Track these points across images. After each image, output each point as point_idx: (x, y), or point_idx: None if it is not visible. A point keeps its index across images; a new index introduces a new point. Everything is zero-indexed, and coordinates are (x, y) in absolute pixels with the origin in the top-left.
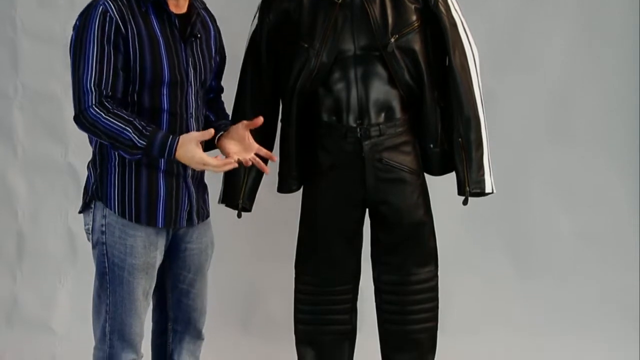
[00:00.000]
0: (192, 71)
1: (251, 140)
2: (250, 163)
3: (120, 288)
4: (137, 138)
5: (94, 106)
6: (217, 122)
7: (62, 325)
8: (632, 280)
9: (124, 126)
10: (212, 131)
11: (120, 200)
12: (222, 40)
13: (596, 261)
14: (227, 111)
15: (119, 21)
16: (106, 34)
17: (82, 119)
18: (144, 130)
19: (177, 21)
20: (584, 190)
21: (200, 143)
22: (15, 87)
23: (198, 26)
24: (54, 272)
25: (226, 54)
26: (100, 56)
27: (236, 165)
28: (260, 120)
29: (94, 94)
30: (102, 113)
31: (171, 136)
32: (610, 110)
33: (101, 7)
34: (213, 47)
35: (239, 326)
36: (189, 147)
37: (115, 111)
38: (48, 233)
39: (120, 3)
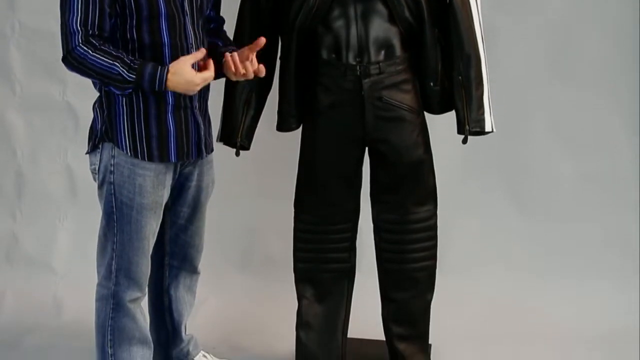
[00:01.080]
0: (187, 2)
1: (255, 61)
2: (242, 71)
3: (129, 227)
4: (126, 72)
5: (80, 45)
6: (224, 47)
7: (62, 263)
8: (633, 222)
9: (111, 61)
10: (203, 50)
11: (132, 140)
12: None
13: (597, 202)
14: None
15: None
16: None
17: (70, 59)
18: (132, 64)
19: None
20: (585, 131)
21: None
22: (12, 25)
23: None
24: (53, 211)
25: None
26: None
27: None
28: (262, 40)
29: (80, 33)
30: (89, 51)
31: (160, 67)
32: (612, 51)
33: None
34: None
35: (238, 265)
36: (183, 70)
37: (103, 48)
38: (47, 172)
39: None
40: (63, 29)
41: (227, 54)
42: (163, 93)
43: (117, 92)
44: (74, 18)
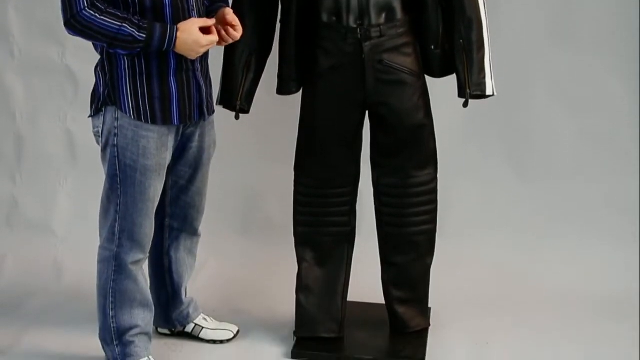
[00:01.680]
0: None
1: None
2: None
3: (132, 189)
4: (136, 32)
5: (86, 9)
6: (211, 6)
7: (62, 226)
8: (633, 183)
9: (120, 23)
10: (213, 20)
11: (135, 103)
12: None
13: (597, 164)
14: None
15: None
16: None
17: (74, 23)
18: (140, 24)
19: None
20: (585, 93)
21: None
22: None
23: None
24: (53, 174)
25: None
26: None
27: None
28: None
29: None
30: (96, 14)
31: (169, 26)
32: (612, 12)
33: None
34: None
35: (238, 228)
36: (192, 30)
37: (109, 10)
38: (47, 135)
39: None
40: None
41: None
42: (165, 55)
43: (124, 53)
44: None
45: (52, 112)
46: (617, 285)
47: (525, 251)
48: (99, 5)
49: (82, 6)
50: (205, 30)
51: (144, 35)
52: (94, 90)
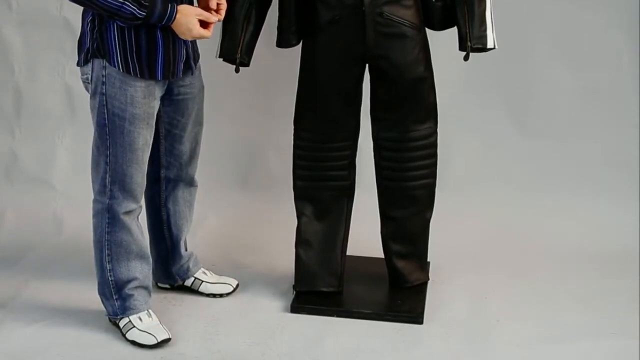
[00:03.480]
0: None
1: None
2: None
3: (121, 138)
4: (137, 10)
5: None
6: None
7: (61, 180)
8: (633, 137)
9: (123, 1)
10: (216, 19)
11: (123, 56)
12: None
13: (597, 120)
14: None
15: None
16: None
17: None
18: (142, 1)
19: None
20: (586, 47)
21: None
22: None
23: None
24: (52, 128)
25: None
26: None
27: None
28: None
29: None
30: None
31: (170, 5)
32: None
33: None
34: None
35: (238, 183)
36: (189, 17)
37: None
38: (45, 89)
39: None
40: None
41: None
42: None
43: (122, 24)
44: None
45: (51, 66)
46: (617, 240)
47: (525, 206)
48: None
49: None
50: (203, 24)
51: (144, 13)
52: (81, 40)
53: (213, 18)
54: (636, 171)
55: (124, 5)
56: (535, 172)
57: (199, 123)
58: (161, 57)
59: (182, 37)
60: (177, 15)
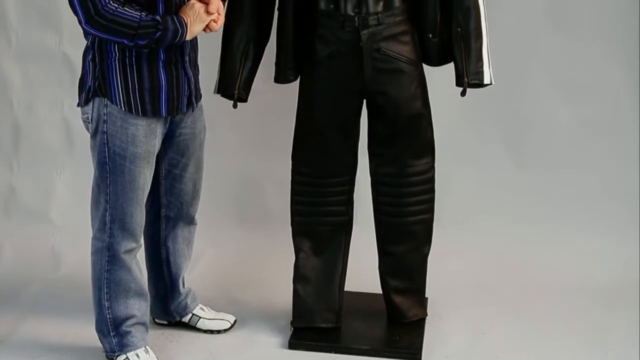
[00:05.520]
0: None
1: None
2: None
3: (122, 177)
4: (151, 16)
5: (109, 3)
6: None
7: (59, 215)
8: (632, 171)
9: (139, 13)
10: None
11: (125, 95)
12: None
13: (596, 152)
14: None
15: None
16: None
17: (98, 19)
18: (151, 15)
19: None
20: (584, 81)
21: None
22: None
23: None
24: (50, 162)
25: None
26: None
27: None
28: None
29: None
30: (119, 7)
31: (172, 15)
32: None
33: None
34: None
35: (236, 218)
36: (187, 7)
37: (126, 5)
38: (44, 123)
39: None
40: None
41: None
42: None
43: (143, 43)
44: None
45: (49, 100)
46: (616, 274)
47: (523, 240)
48: None
49: (106, 0)
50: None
51: (160, 19)
52: (82, 79)
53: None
54: (635, 203)
55: (142, 16)
56: (533, 206)
57: (200, 163)
58: (165, 93)
59: (201, 22)
60: (180, 12)
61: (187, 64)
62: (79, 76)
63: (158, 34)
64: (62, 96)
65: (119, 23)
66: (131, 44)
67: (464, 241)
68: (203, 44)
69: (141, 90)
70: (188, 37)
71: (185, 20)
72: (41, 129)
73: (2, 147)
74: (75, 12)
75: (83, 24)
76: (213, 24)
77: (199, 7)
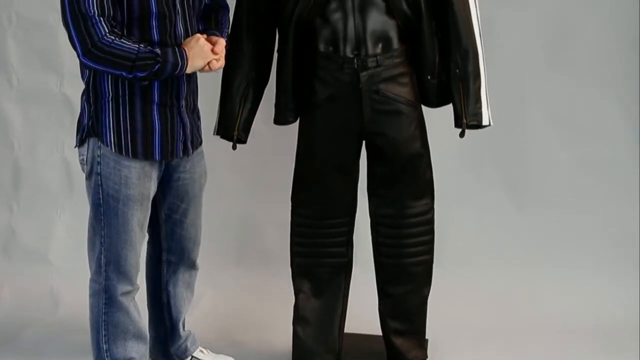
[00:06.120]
0: (179, 1)
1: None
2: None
3: (115, 220)
4: (151, 48)
5: (107, 35)
6: (205, 32)
7: (59, 256)
8: (632, 212)
9: (137, 45)
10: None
11: (116, 136)
12: None
13: (595, 193)
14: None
15: None
16: None
17: (95, 51)
18: (150, 46)
19: None
20: (583, 121)
21: None
22: (10, 16)
23: None
24: (50, 203)
25: None
26: None
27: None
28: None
29: (103, 24)
30: (116, 39)
31: (174, 47)
32: (610, 40)
33: None
34: None
35: (235, 259)
36: (192, 41)
37: (124, 36)
38: (44, 164)
39: None
40: (79, 23)
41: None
42: (149, 89)
43: (142, 75)
44: (92, 8)
45: (50, 141)
46: (617, 316)
47: (523, 282)
48: (116, 30)
49: (104, 32)
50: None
51: (159, 51)
52: (79, 120)
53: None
54: (635, 244)
55: (141, 47)
56: (533, 247)
57: (200, 208)
58: (158, 136)
59: (204, 58)
60: (184, 45)
61: (183, 109)
62: (78, 116)
63: (157, 66)
64: (62, 138)
65: (117, 55)
66: (130, 76)
67: (464, 283)
68: (202, 84)
69: (133, 131)
70: (188, 70)
71: (187, 53)
72: (41, 170)
73: (3, 188)
74: (74, 46)
75: (81, 57)
76: (214, 62)
77: (204, 43)
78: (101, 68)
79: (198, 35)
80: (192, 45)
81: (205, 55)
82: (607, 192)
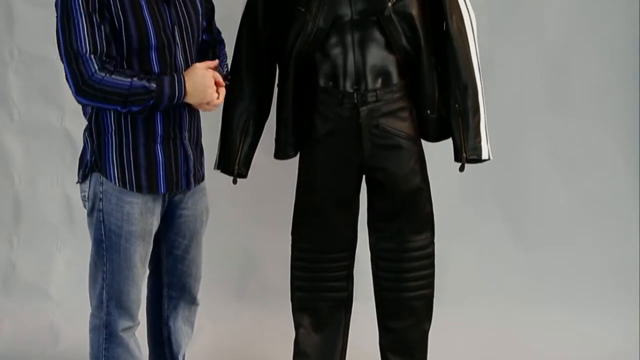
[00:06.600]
0: (178, 32)
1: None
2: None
3: (117, 255)
4: (146, 82)
5: (97, 72)
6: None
7: (59, 291)
8: (632, 250)
9: (131, 79)
10: (216, 61)
11: (120, 171)
12: None
13: (595, 230)
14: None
15: None
16: (90, 2)
17: (86, 89)
18: (149, 77)
19: None
20: (583, 158)
21: None
22: (11, 50)
23: None
24: (51, 238)
25: (223, 18)
26: (90, 24)
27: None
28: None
29: (94, 61)
30: (107, 75)
31: (175, 74)
32: (610, 77)
33: None
34: (198, 1)
35: (235, 293)
36: (196, 70)
37: (118, 70)
38: (45, 198)
39: None
40: (72, 60)
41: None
42: (152, 123)
43: (137, 109)
44: (84, 46)
45: (51, 176)
46: (617, 353)
47: (523, 317)
48: (108, 67)
49: (94, 69)
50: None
51: (155, 85)
52: (81, 156)
53: (211, 64)
54: (636, 282)
55: (133, 82)
56: (533, 283)
57: (201, 244)
58: (162, 170)
59: (204, 96)
60: (186, 77)
61: (186, 141)
62: (80, 153)
63: (151, 101)
64: (63, 172)
65: (108, 92)
66: (124, 110)
67: (464, 318)
68: (203, 119)
69: (137, 166)
70: (188, 100)
71: (186, 83)
72: (42, 204)
73: (3, 222)
74: (68, 83)
75: (74, 95)
76: (214, 96)
77: (210, 83)
78: (96, 104)
79: (204, 71)
80: (197, 79)
81: (205, 93)
82: (607, 228)
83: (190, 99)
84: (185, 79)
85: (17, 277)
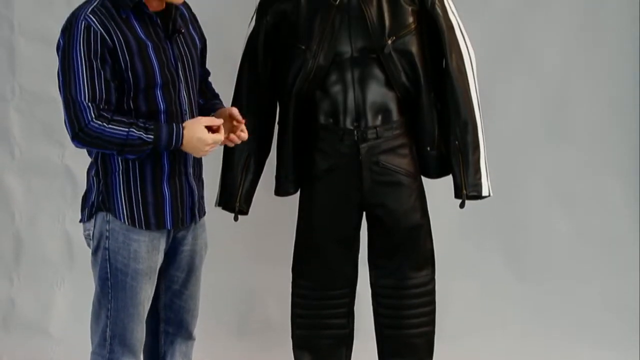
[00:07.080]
0: (180, 67)
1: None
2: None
3: (123, 293)
4: (143, 134)
5: (93, 120)
6: (206, 104)
7: (59, 329)
8: (632, 283)
9: (127, 129)
10: (221, 120)
11: (129, 209)
12: (199, 25)
13: (595, 263)
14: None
15: (104, 33)
16: (92, 48)
17: (83, 136)
18: (147, 126)
19: (158, 20)
20: (583, 192)
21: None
22: (13, 88)
23: (179, 20)
24: (51, 275)
25: (222, 55)
26: (89, 72)
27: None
28: (242, 121)
29: (91, 109)
30: (104, 124)
31: (175, 125)
32: (609, 111)
33: (83, 22)
34: (195, 36)
35: (235, 330)
36: (197, 128)
37: (115, 118)
38: (45, 236)
39: (100, 14)
40: (70, 106)
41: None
42: (159, 160)
43: (133, 157)
44: (83, 94)
45: (51, 213)
46: None
47: (524, 353)
48: (105, 114)
49: (90, 118)
50: (211, 130)
51: (152, 136)
52: (85, 196)
53: (217, 121)
54: (635, 315)
55: (131, 132)
56: (534, 318)
57: (200, 279)
58: (169, 206)
59: (200, 153)
60: (185, 132)
61: (191, 176)
62: (83, 192)
63: (148, 151)
64: (64, 209)
65: (104, 140)
66: (120, 156)
67: (466, 354)
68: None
69: (145, 204)
70: (184, 149)
71: (185, 135)
72: (42, 242)
73: (3, 260)
74: (66, 128)
75: (71, 140)
76: (242, 135)
77: (208, 141)
78: (92, 149)
79: (202, 135)
80: (195, 134)
81: (201, 148)
82: (607, 263)
83: (185, 149)
84: (185, 131)
85: (17, 315)
